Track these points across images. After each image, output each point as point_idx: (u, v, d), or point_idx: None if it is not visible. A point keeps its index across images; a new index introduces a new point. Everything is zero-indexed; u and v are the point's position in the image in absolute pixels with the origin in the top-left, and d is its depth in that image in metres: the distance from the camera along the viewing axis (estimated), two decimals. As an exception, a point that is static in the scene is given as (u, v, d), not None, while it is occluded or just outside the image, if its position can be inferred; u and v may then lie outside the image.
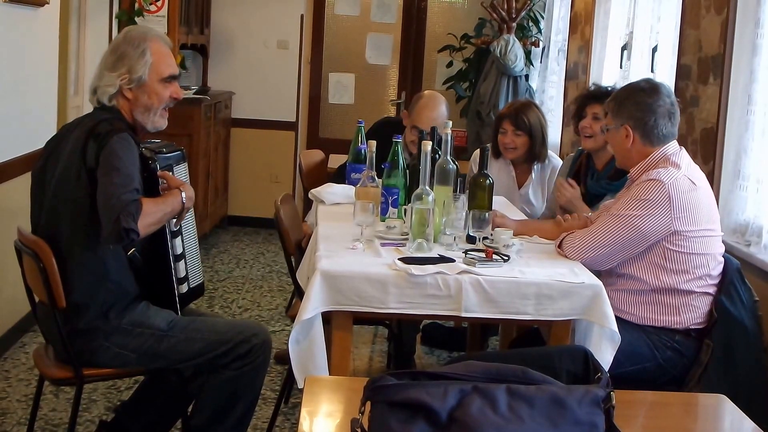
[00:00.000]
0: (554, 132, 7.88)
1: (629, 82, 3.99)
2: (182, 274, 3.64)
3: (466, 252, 3.55)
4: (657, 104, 3.70)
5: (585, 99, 4.66)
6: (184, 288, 3.66)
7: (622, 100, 3.77)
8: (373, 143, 4.15)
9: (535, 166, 5.27)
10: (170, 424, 3.81)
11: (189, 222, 3.70)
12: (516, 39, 8.02)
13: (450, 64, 9.03)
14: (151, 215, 3.23)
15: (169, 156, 3.61)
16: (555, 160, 5.34)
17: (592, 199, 4.43)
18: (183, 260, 3.64)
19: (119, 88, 3.44)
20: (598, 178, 4.55)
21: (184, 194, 3.42)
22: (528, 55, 8.27)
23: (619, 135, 3.77)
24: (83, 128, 3.38)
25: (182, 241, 3.64)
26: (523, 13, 8.20)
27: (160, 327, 3.46)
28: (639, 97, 3.72)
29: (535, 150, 5.19)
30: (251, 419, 3.64)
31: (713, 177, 4.52)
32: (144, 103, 3.48)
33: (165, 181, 3.46)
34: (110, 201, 3.16)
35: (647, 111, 3.70)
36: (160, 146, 3.62)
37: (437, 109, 5.25)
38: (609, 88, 4.62)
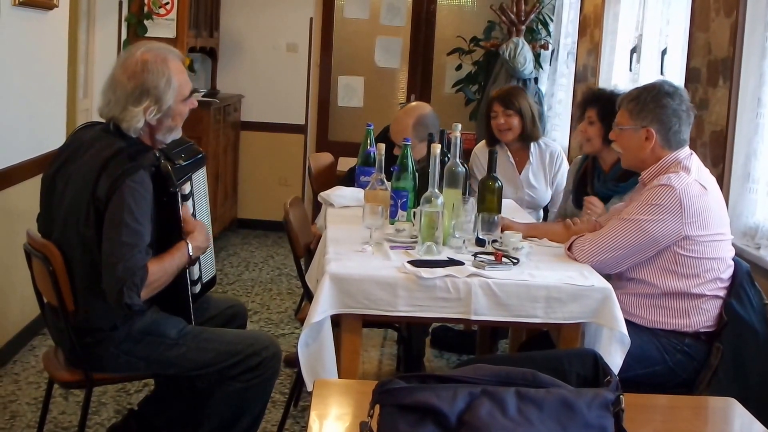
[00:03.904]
0: (562, 136, 7.88)
1: (645, 83, 3.94)
2: (195, 276, 3.62)
3: (475, 255, 3.55)
4: (681, 108, 3.69)
5: (584, 103, 4.67)
6: (197, 288, 3.65)
7: (646, 101, 3.71)
8: (382, 146, 4.15)
9: (533, 149, 5.34)
10: (192, 420, 3.79)
11: (205, 220, 3.68)
12: (525, 42, 8.02)
13: (459, 67, 9.03)
14: (155, 281, 3.22)
15: (186, 165, 3.51)
16: (553, 145, 5.42)
17: (599, 201, 4.42)
18: (197, 263, 3.62)
19: (146, 120, 3.36)
20: (604, 180, 4.54)
21: (190, 246, 3.37)
22: (537, 58, 8.27)
23: (637, 136, 3.73)
24: (98, 157, 3.28)
25: None
26: (532, 16, 8.20)
27: (171, 335, 3.45)
28: (665, 100, 3.68)
29: (528, 130, 5.25)
30: (258, 429, 3.64)
31: (723, 180, 4.51)
32: (168, 125, 3.42)
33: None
34: (117, 266, 3.14)
35: (673, 115, 3.67)
36: (179, 150, 3.54)
37: (402, 123, 5.10)
38: (609, 91, 4.63)
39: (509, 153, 5.34)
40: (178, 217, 3.39)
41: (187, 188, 3.52)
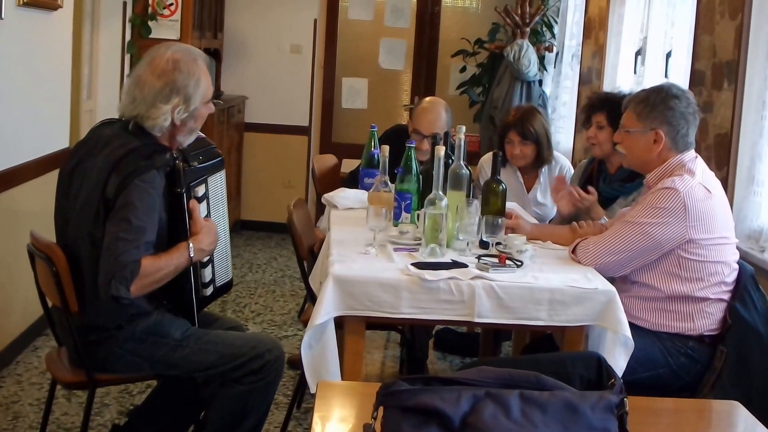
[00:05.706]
0: (567, 138, 7.88)
1: (651, 86, 3.93)
2: (207, 278, 3.59)
3: (479, 257, 3.55)
4: (688, 111, 3.68)
5: (590, 108, 4.67)
6: (209, 290, 3.64)
7: (654, 104, 3.69)
8: (386, 148, 4.14)
9: (543, 170, 5.27)
10: (183, 430, 3.80)
11: (221, 224, 3.64)
12: (529, 44, 8.01)
13: (463, 69, 9.03)
14: (149, 276, 3.18)
15: (201, 167, 3.50)
16: (562, 159, 5.35)
17: (605, 203, 4.42)
18: (210, 265, 3.61)
19: (172, 119, 3.35)
20: (610, 182, 4.55)
21: (192, 247, 3.32)
22: (541, 60, 8.26)
23: (645, 138, 3.71)
24: (111, 156, 3.27)
25: None
26: (536, 18, 8.19)
27: (175, 336, 3.44)
28: (673, 103, 3.67)
29: (543, 156, 5.19)
30: (261, 431, 3.63)
31: (727, 183, 4.51)
32: (190, 127, 3.42)
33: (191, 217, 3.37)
34: (110, 258, 3.13)
35: (680, 118, 3.66)
36: (198, 152, 3.52)
37: (434, 112, 5.25)
38: (615, 94, 4.63)
39: (518, 173, 5.30)
40: (184, 218, 3.37)
41: (201, 190, 3.49)
